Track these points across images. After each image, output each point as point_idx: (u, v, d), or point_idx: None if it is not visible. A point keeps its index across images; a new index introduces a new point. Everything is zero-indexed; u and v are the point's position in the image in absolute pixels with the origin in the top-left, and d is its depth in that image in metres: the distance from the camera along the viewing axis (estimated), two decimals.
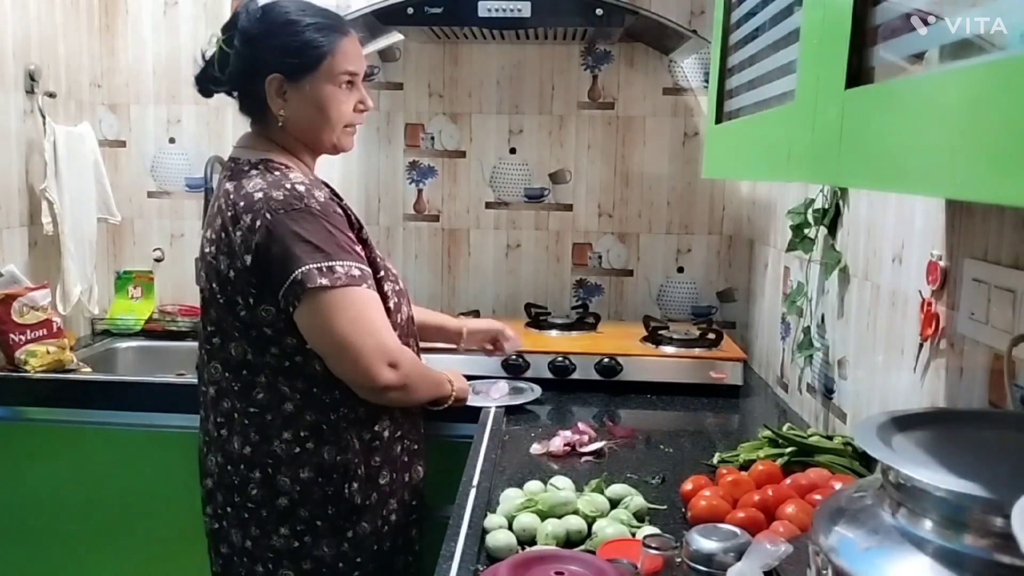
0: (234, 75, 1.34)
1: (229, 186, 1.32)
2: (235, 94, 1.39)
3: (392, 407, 1.38)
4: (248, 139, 1.40)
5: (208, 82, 1.38)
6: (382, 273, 1.38)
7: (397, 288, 1.42)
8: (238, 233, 1.27)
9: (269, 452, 1.32)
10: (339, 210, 1.33)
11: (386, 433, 1.38)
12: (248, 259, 1.26)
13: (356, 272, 1.28)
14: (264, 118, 1.37)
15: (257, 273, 1.26)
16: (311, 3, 1.38)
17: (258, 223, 1.25)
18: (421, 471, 1.49)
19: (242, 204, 1.28)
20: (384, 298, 1.36)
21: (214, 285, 1.31)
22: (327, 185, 1.37)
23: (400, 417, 1.42)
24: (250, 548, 1.35)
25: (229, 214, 1.29)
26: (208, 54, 1.37)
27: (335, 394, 1.32)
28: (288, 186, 1.29)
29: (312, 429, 1.32)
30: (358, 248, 1.32)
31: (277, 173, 1.32)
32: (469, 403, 1.69)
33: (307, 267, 1.24)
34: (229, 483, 1.35)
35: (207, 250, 1.33)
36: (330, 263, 1.25)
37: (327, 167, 1.50)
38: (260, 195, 1.27)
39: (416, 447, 1.47)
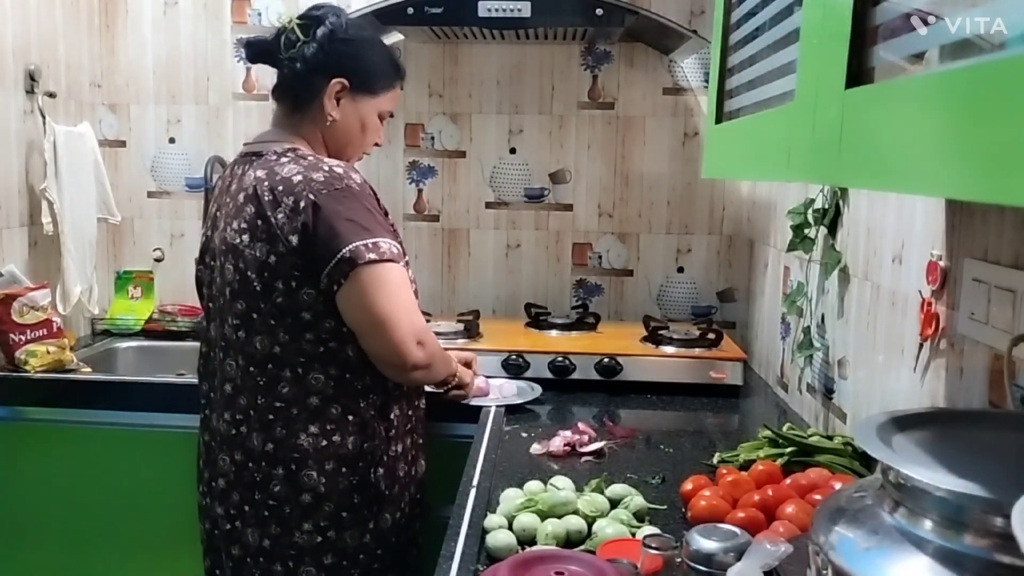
0: (302, 59, 1.38)
1: (260, 173, 1.32)
2: (283, 73, 1.41)
3: (399, 399, 1.40)
4: (271, 134, 1.43)
5: (264, 52, 1.42)
6: (407, 257, 1.40)
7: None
8: (279, 216, 1.28)
9: (295, 447, 1.32)
10: (372, 192, 1.36)
11: (397, 422, 1.40)
12: (294, 239, 1.27)
13: (395, 250, 1.31)
14: (305, 108, 1.41)
15: (303, 254, 1.28)
16: None
17: (302, 204, 1.27)
18: (424, 466, 1.51)
19: (281, 188, 1.29)
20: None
21: (250, 273, 1.31)
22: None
23: (408, 409, 1.43)
24: (268, 547, 1.34)
25: (267, 198, 1.29)
26: (279, 31, 1.40)
27: (366, 380, 1.35)
28: (326, 168, 1.31)
29: (338, 420, 1.33)
30: (391, 229, 1.36)
31: (311, 158, 1.35)
32: (469, 403, 1.69)
33: (354, 244, 1.26)
34: (249, 481, 1.34)
35: (237, 240, 1.32)
36: (375, 239, 1.28)
37: None
38: (300, 177, 1.29)
39: (421, 441, 1.50)
